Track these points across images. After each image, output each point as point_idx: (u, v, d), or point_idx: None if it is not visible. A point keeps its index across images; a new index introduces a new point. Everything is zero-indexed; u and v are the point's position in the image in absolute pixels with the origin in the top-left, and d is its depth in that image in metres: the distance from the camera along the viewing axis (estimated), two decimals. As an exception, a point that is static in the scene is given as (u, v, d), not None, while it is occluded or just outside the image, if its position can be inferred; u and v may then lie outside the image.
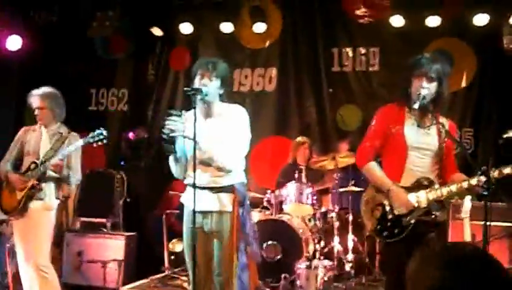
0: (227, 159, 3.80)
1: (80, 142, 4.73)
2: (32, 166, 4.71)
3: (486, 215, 3.59)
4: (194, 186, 3.70)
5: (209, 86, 3.83)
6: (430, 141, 3.82)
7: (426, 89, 3.72)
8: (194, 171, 3.68)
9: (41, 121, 4.87)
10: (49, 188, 4.76)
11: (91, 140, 4.73)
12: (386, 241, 3.85)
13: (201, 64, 3.93)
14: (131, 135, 7.32)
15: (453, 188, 3.71)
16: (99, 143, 4.75)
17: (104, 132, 4.76)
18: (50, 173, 4.70)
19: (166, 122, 3.68)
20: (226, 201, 3.85)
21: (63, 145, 4.78)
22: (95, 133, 4.74)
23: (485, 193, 3.58)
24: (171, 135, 3.69)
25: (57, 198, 4.84)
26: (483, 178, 3.56)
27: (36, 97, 4.83)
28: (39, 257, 4.68)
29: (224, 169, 3.82)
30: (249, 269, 3.94)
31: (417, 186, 3.75)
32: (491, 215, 5.17)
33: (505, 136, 6.21)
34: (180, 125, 3.68)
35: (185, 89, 3.81)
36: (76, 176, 4.86)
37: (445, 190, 3.72)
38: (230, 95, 4.10)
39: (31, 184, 4.66)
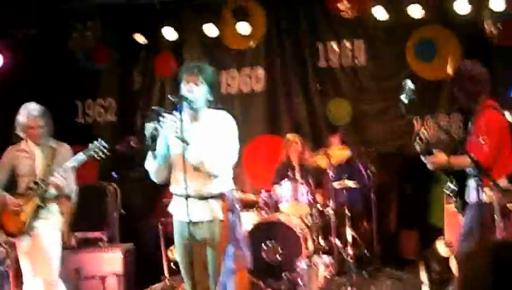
0: (215, 164, 3.72)
1: (82, 156, 4.65)
2: (33, 185, 4.66)
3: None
4: (186, 197, 3.60)
5: (196, 91, 3.76)
6: None
7: None
8: (185, 178, 3.60)
9: (38, 139, 4.78)
10: (52, 206, 4.74)
11: (93, 153, 4.65)
12: None
13: (187, 69, 3.83)
14: (121, 145, 7.23)
15: None
16: (102, 156, 4.68)
17: (104, 143, 4.68)
18: (52, 191, 4.67)
19: (156, 119, 3.61)
20: (216, 209, 3.78)
21: (56, 159, 4.73)
22: (95, 145, 4.65)
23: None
24: (157, 132, 3.62)
25: (61, 213, 4.83)
26: None
27: (37, 117, 4.73)
28: (48, 273, 4.67)
29: (212, 174, 3.72)
30: (236, 274, 3.89)
31: None
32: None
33: None
34: (170, 123, 3.61)
35: (169, 96, 3.71)
36: (74, 190, 4.84)
37: None
38: (218, 98, 4.03)
39: (35, 205, 4.62)
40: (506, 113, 5.91)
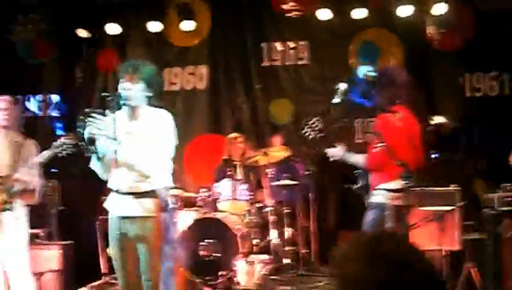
0: (146, 164, 3.75)
1: (48, 153, 4.67)
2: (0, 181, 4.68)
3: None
4: (119, 192, 3.69)
5: (132, 89, 3.77)
6: None
7: None
8: (116, 174, 3.65)
9: (6, 122, 4.81)
10: (17, 200, 4.75)
11: (59, 150, 4.63)
12: None
13: (124, 68, 3.87)
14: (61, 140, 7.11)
15: None
16: (68, 152, 4.65)
17: (70, 141, 4.64)
18: (18, 185, 4.69)
19: (88, 122, 3.60)
20: (148, 206, 3.81)
21: (21, 154, 4.75)
22: (61, 142, 4.65)
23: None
24: (93, 134, 3.62)
25: (25, 207, 4.85)
26: None
27: (3, 100, 4.83)
28: (16, 266, 4.72)
29: (142, 173, 3.76)
30: (175, 273, 3.93)
31: None
32: (424, 201, 5.43)
33: (433, 122, 6.36)
34: (102, 124, 3.61)
35: (103, 94, 3.77)
36: (39, 185, 4.87)
37: None
38: (160, 96, 4.05)
39: (1, 199, 4.65)
40: (438, 118, 6.12)
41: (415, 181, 3.83)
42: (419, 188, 4.27)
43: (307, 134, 4.26)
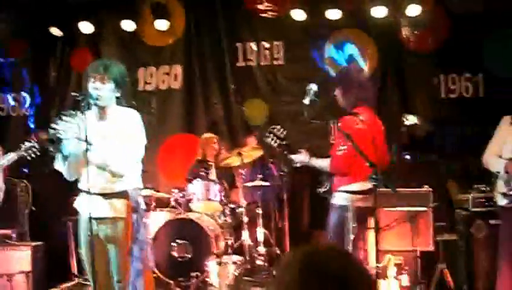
0: (120, 164, 3.74)
1: (13, 155, 4.58)
2: None
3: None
4: (89, 193, 3.68)
5: (101, 89, 3.76)
6: None
7: None
8: (88, 175, 3.62)
9: None
10: None
11: (25, 154, 4.57)
12: None
13: (93, 67, 3.87)
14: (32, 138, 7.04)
15: None
16: (33, 156, 4.59)
17: (35, 144, 4.58)
18: None
19: (58, 123, 3.56)
20: (119, 207, 3.81)
21: None
22: (27, 145, 4.59)
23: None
24: (58, 135, 3.57)
25: None
26: None
27: None
28: None
29: (116, 174, 3.76)
30: (144, 275, 3.90)
31: None
32: (397, 201, 5.43)
33: (407, 122, 6.38)
34: (72, 126, 3.57)
35: (73, 94, 3.73)
36: (2, 188, 4.92)
37: None
38: (134, 95, 4.02)
39: None
40: (412, 118, 6.13)
41: (382, 182, 3.83)
42: (385, 189, 4.26)
43: (271, 142, 4.27)
